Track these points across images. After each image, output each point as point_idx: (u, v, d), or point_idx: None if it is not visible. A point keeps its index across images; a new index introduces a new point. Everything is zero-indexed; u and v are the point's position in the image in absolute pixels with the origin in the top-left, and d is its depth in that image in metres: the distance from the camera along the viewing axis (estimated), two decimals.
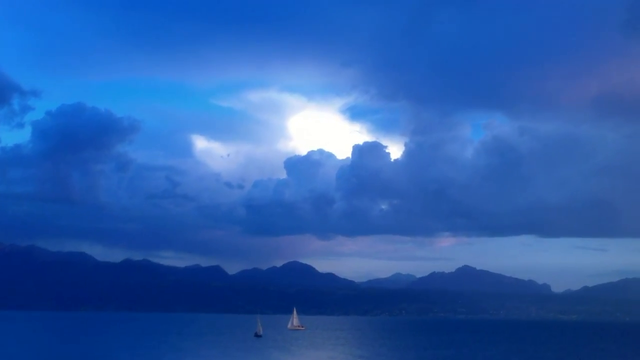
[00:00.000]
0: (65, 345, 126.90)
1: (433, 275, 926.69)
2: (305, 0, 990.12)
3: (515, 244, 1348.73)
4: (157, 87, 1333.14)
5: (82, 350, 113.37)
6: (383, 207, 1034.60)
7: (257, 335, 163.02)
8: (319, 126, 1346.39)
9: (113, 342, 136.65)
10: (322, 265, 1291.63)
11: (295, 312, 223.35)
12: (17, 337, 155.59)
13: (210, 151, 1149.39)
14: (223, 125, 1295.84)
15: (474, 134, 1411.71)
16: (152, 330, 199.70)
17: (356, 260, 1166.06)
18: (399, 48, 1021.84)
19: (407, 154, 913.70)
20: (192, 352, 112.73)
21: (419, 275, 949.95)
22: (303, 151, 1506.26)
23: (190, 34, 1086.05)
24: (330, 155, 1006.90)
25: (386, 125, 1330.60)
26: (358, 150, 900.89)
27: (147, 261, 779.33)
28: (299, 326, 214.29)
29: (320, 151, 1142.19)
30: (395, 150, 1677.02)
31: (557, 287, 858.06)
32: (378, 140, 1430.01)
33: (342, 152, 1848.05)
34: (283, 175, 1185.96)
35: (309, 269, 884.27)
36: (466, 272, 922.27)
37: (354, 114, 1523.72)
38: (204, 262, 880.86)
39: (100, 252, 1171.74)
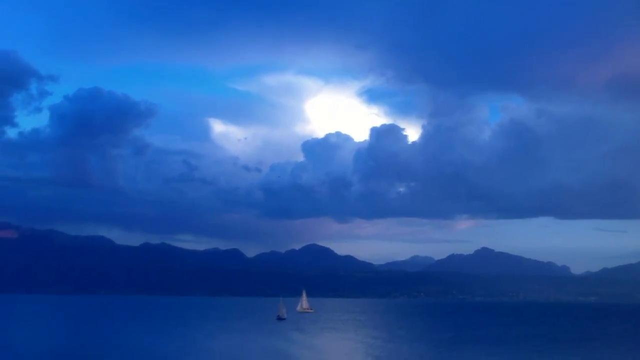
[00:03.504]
0: (83, 328, 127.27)
1: (451, 257, 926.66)
2: None
3: (533, 226, 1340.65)
4: (174, 71, 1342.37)
5: (100, 333, 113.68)
6: (401, 189, 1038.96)
7: (280, 318, 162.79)
8: (336, 109, 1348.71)
9: (132, 325, 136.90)
10: (340, 248, 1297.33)
11: (304, 294, 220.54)
12: (35, 320, 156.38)
13: (228, 135, 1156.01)
14: (240, 109, 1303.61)
15: (491, 117, 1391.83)
16: (172, 314, 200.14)
17: (374, 243, 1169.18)
18: (415, 30, 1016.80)
19: (425, 136, 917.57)
20: (217, 335, 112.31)
21: (437, 258, 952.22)
22: (320, 134, 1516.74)
23: (207, 18, 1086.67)
24: (347, 138, 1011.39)
25: (403, 108, 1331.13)
26: (375, 132, 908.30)
27: (166, 244, 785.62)
28: (307, 309, 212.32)
29: (338, 134, 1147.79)
30: (412, 132, 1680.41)
31: (577, 269, 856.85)
32: (395, 123, 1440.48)
33: (360, 134, 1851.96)
34: (300, 158, 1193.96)
35: (327, 252, 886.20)
36: (484, 255, 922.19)
37: (371, 96, 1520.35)
38: (223, 245, 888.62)
39: (119, 236, 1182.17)
